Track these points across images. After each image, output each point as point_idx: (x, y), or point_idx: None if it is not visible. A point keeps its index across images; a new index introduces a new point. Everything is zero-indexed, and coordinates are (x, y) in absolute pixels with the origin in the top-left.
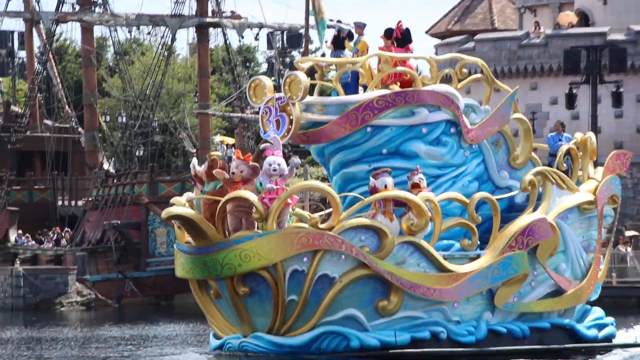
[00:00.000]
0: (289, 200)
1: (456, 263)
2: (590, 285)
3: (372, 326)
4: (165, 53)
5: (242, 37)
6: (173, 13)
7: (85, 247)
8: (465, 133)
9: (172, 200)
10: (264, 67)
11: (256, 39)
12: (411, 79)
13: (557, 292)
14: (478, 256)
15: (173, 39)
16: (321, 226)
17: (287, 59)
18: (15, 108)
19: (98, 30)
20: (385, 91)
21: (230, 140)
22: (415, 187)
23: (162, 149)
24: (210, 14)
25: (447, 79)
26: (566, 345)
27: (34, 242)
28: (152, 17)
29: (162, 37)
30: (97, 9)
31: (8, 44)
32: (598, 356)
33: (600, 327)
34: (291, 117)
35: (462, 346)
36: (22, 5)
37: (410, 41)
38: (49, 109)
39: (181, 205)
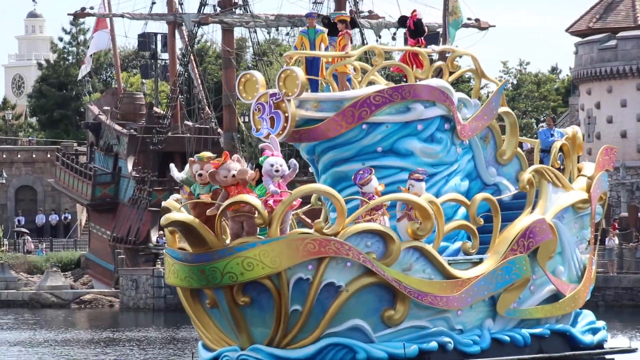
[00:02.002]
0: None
1: (459, 268)
2: (586, 288)
3: (378, 337)
4: None
5: (380, 37)
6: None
7: None
8: (459, 129)
9: (166, 204)
10: None
11: (393, 38)
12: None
13: (555, 296)
14: (481, 260)
15: None
16: (326, 231)
17: None
18: (157, 109)
19: (238, 32)
20: (381, 86)
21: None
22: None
23: None
24: (348, 13)
25: (438, 73)
26: (566, 353)
27: None
28: (291, 18)
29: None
30: (238, 11)
31: (152, 46)
32: None
33: (594, 331)
34: (287, 115)
35: (468, 357)
36: (166, 8)
37: (423, 33)
38: (189, 110)
39: (176, 210)
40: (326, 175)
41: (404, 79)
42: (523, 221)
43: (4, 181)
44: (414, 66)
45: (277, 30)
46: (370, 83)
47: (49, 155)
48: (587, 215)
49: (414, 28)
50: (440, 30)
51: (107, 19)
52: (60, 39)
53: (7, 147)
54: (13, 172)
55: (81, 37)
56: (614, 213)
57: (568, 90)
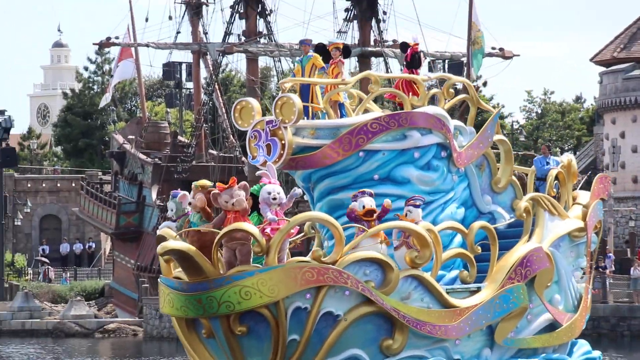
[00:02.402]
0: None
1: (457, 297)
2: (582, 317)
3: None
4: None
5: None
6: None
7: None
8: (455, 157)
9: (161, 232)
10: None
11: None
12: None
13: (552, 326)
14: (478, 289)
15: None
16: (324, 260)
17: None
18: (182, 138)
19: (262, 61)
20: (378, 113)
21: (207, 183)
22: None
23: None
24: (372, 42)
25: (433, 100)
26: None
27: None
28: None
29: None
30: (262, 40)
31: (176, 75)
32: None
33: None
34: (283, 142)
35: None
36: (190, 37)
37: (419, 65)
38: (213, 138)
39: (172, 238)
40: (322, 203)
41: (399, 107)
42: (520, 249)
43: (28, 210)
44: (410, 94)
45: None
46: (365, 111)
47: (73, 184)
48: (582, 244)
49: (410, 60)
50: (465, 59)
51: (132, 49)
52: (86, 69)
53: (32, 176)
54: (38, 201)
55: (106, 67)
56: (638, 242)
57: (592, 120)
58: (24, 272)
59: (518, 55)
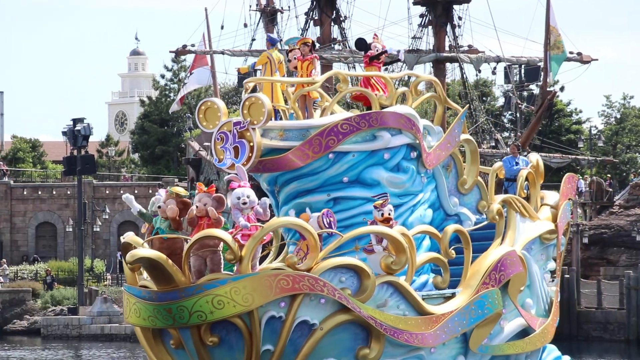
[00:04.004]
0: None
1: (432, 303)
2: (554, 322)
3: None
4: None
5: (479, 71)
6: (410, 48)
7: None
8: (424, 157)
9: (127, 240)
10: (501, 100)
11: (493, 72)
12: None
13: (525, 331)
14: (453, 294)
15: None
16: (299, 267)
17: (525, 93)
18: None
19: (336, 67)
20: (348, 114)
21: (182, 192)
22: (387, 221)
23: None
24: (447, 48)
25: (401, 99)
26: None
27: None
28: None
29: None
30: (337, 46)
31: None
32: None
33: None
34: (252, 144)
35: None
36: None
37: (367, 50)
38: None
39: (139, 245)
40: (288, 207)
41: (364, 108)
42: (494, 253)
43: (107, 217)
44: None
45: None
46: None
47: (150, 191)
48: (551, 246)
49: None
50: (542, 64)
51: (207, 56)
52: (162, 76)
53: (110, 183)
54: (116, 208)
55: (182, 74)
56: None
57: None
58: (103, 278)
59: (596, 60)
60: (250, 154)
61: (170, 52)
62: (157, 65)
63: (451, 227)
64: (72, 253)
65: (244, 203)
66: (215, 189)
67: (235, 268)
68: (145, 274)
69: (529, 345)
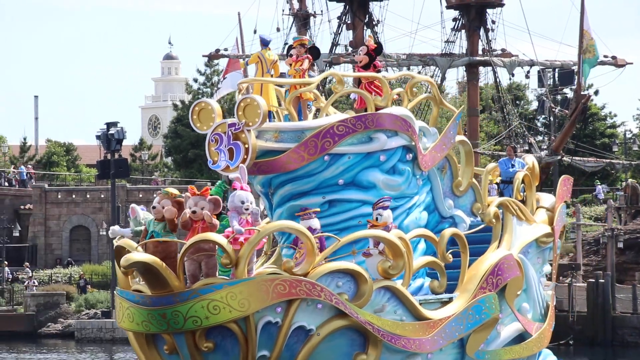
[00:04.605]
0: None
1: (429, 308)
2: (550, 327)
3: None
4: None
5: (513, 75)
6: (443, 52)
7: None
8: (420, 159)
9: (120, 243)
10: (535, 104)
11: (527, 76)
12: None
13: (522, 336)
14: (450, 299)
15: (443, 78)
16: (296, 271)
17: (559, 97)
18: None
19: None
20: (344, 115)
21: (177, 192)
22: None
23: None
24: (480, 52)
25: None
26: None
27: None
28: (423, 57)
29: (432, 76)
30: None
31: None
32: None
33: None
34: (247, 146)
35: None
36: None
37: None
38: None
39: (133, 249)
40: (282, 210)
41: (356, 110)
42: (491, 257)
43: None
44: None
45: (408, 69)
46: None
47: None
48: (548, 250)
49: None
50: (576, 68)
51: (240, 60)
52: (195, 80)
53: (144, 187)
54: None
55: (215, 78)
56: None
57: None
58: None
59: (631, 64)
60: (245, 156)
61: (204, 56)
62: (190, 69)
63: (448, 231)
64: (106, 257)
65: (247, 209)
66: (208, 191)
67: (231, 273)
68: (138, 278)
69: (525, 351)
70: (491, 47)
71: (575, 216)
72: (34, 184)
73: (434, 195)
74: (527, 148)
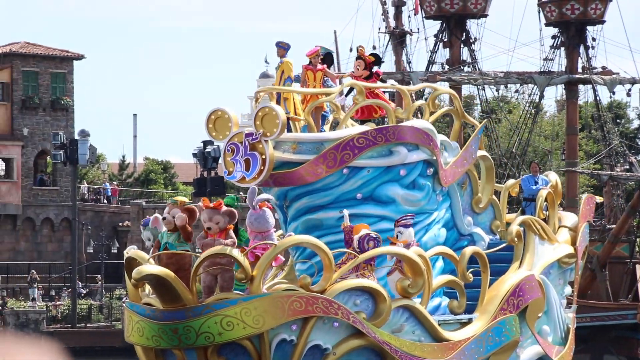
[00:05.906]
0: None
1: (448, 329)
2: (570, 350)
3: None
4: (533, 110)
5: (613, 93)
6: (542, 70)
7: None
8: (441, 174)
9: (131, 255)
10: (636, 123)
11: (628, 94)
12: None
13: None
14: (470, 320)
15: (541, 96)
16: (313, 288)
17: None
18: None
19: (466, 89)
20: (365, 127)
21: (186, 200)
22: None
23: None
24: (580, 70)
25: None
26: None
27: None
28: (520, 75)
29: (530, 95)
30: (466, 68)
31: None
32: None
33: None
34: (264, 157)
35: None
36: (394, 66)
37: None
38: None
39: (145, 261)
40: (297, 223)
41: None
42: (512, 278)
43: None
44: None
45: (505, 87)
46: (336, 123)
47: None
48: (569, 270)
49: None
50: None
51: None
52: None
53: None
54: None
55: None
56: None
57: None
58: None
59: None
60: (262, 167)
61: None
62: None
63: (469, 250)
64: None
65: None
66: (222, 204)
67: (246, 288)
68: (148, 290)
69: None
70: (591, 65)
71: None
72: (132, 201)
73: (454, 211)
74: (627, 167)
